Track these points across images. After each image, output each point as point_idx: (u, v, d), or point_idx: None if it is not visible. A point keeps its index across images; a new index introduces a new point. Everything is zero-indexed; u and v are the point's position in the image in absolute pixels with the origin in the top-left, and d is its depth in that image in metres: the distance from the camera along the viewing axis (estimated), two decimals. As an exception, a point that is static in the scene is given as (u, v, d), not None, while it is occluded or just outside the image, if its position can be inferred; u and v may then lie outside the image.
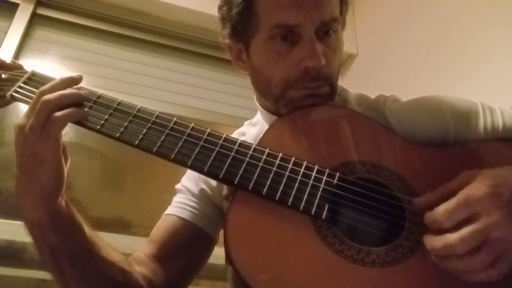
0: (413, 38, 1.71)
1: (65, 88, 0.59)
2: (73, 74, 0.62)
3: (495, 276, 0.43)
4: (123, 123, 0.61)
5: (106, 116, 0.61)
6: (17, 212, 0.57)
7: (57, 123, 0.55)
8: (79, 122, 0.60)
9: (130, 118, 0.61)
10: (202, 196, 0.77)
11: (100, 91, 0.65)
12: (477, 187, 0.45)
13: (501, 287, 0.45)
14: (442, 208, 0.46)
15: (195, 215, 0.75)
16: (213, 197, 0.76)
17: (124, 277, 0.62)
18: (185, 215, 0.74)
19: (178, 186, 0.82)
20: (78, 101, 0.60)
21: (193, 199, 0.77)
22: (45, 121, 0.55)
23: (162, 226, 0.75)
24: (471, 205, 0.44)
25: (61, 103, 0.57)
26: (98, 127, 0.60)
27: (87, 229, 0.60)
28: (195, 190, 0.77)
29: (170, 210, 0.77)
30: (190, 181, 0.79)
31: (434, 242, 0.46)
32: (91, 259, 0.59)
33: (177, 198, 0.79)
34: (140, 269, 0.67)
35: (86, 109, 0.61)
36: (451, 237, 0.44)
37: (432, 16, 1.62)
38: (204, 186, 0.77)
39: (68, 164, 0.60)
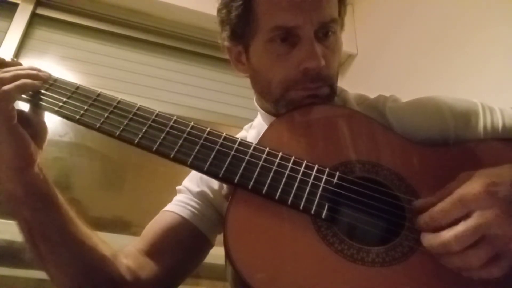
0: (413, 38, 1.71)
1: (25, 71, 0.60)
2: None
3: (496, 273, 0.44)
4: (123, 121, 0.61)
5: (106, 115, 0.61)
6: None
7: (3, 96, 0.55)
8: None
9: (130, 116, 0.61)
10: (202, 197, 0.76)
11: (100, 91, 0.65)
12: (472, 186, 0.46)
13: (502, 287, 0.45)
14: (437, 207, 0.47)
15: (194, 214, 0.74)
16: (214, 201, 0.76)
17: (103, 264, 0.61)
18: (183, 213, 0.74)
19: (179, 187, 0.81)
20: (37, 86, 0.61)
21: (194, 199, 0.76)
22: None
23: (157, 221, 0.74)
24: (466, 203, 0.45)
25: (11, 81, 0.57)
26: (98, 125, 0.60)
27: (65, 207, 0.60)
28: (196, 191, 0.77)
29: (169, 207, 0.77)
30: (192, 182, 0.79)
31: (430, 240, 0.46)
32: (64, 238, 0.58)
33: (178, 197, 0.79)
34: (126, 261, 0.66)
35: (36, 82, 0.61)
36: (446, 234, 0.44)
37: (432, 16, 1.62)
38: (205, 189, 0.77)
39: (42, 142, 0.61)
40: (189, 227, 0.73)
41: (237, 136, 0.86)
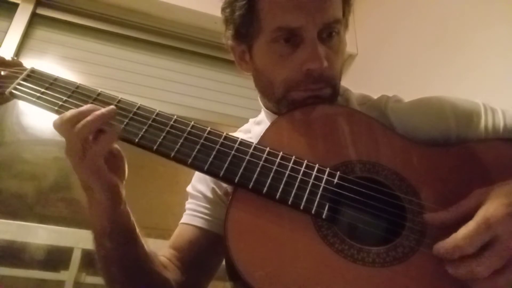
0: (413, 38, 1.71)
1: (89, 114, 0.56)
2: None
3: (503, 284, 0.43)
4: (124, 121, 0.61)
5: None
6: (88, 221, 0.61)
7: (94, 156, 0.55)
8: None
9: (130, 115, 0.61)
10: (214, 197, 0.78)
11: (100, 90, 0.65)
12: (494, 208, 0.44)
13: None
14: (461, 233, 0.44)
15: (206, 220, 0.76)
16: (222, 196, 0.77)
17: (165, 285, 0.66)
18: (199, 223, 0.76)
19: (189, 189, 0.82)
20: (106, 120, 0.57)
21: (205, 204, 0.78)
22: (83, 151, 0.55)
23: (180, 235, 0.77)
24: (491, 228, 0.43)
25: (91, 131, 0.56)
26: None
27: (140, 239, 0.63)
28: (207, 192, 0.78)
29: (184, 218, 0.79)
30: (201, 182, 0.80)
31: (459, 268, 0.44)
32: (140, 269, 0.63)
33: (190, 205, 0.80)
34: (170, 274, 0.69)
35: (116, 124, 0.59)
36: (478, 267, 0.43)
37: (432, 16, 1.62)
38: (214, 185, 0.78)
39: (124, 173, 0.61)
40: (205, 234, 0.75)
41: (241, 127, 0.87)
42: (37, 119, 1.68)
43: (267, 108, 0.77)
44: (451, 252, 0.44)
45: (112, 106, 0.59)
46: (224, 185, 0.76)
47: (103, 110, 0.57)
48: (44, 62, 1.76)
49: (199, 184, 0.80)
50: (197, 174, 0.82)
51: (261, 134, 0.62)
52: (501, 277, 0.43)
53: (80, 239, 1.50)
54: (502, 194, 0.46)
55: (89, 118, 0.55)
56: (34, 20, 1.79)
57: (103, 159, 0.56)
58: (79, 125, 0.55)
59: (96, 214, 0.59)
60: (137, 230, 0.63)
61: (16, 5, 1.74)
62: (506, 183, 0.48)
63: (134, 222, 0.63)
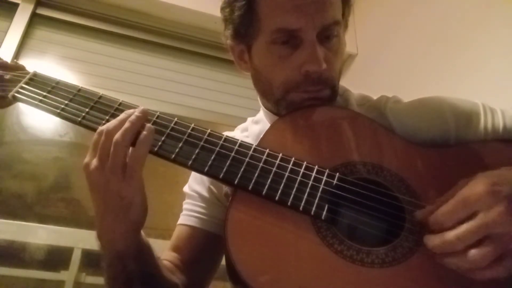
0: (413, 38, 1.71)
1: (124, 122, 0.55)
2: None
3: (502, 272, 0.43)
4: None
5: (107, 117, 0.62)
6: (102, 244, 0.57)
7: (137, 163, 0.54)
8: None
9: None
10: (210, 197, 0.78)
11: (101, 92, 0.65)
12: (474, 186, 0.46)
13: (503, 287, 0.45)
14: (440, 210, 0.47)
15: (204, 220, 0.76)
16: (220, 196, 0.77)
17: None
18: (195, 223, 0.76)
19: (186, 189, 0.82)
20: (139, 127, 0.56)
21: (202, 204, 0.78)
22: (123, 163, 0.53)
23: (178, 236, 0.77)
24: (470, 203, 0.44)
25: (130, 139, 0.54)
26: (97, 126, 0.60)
27: (154, 253, 0.62)
28: (203, 192, 0.78)
29: (181, 219, 0.79)
30: (198, 183, 0.80)
31: (434, 240, 0.46)
32: (158, 280, 0.62)
33: (187, 205, 0.80)
34: (176, 277, 0.69)
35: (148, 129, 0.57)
36: (450, 234, 0.44)
37: (432, 16, 1.62)
38: (210, 185, 0.78)
39: None
40: (203, 234, 0.75)
41: (239, 126, 0.87)
42: (37, 119, 1.68)
43: (266, 108, 0.77)
44: (432, 225, 0.47)
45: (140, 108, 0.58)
46: (223, 186, 0.76)
47: (136, 113, 0.56)
48: (44, 62, 1.76)
49: (196, 184, 0.80)
50: (194, 174, 0.83)
51: (259, 133, 0.62)
52: (500, 265, 0.43)
53: (80, 239, 1.50)
54: (485, 176, 0.47)
55: (127, 125, 0.54)
56: (34, 20, 1.79)
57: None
58: (118, 135, 0.53)
59: (124, 236, 0.55)
60: (152, 246, 0.62)
61: (16, 5, 1.74)
62: (493, 170, 0.49)
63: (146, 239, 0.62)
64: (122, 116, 0.56)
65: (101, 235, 0.57)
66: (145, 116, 0.57)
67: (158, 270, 0.62)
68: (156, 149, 0.59)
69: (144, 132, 0.55)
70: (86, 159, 0.54)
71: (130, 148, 0.54)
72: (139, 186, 0.55)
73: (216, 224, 0.75)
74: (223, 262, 0.54)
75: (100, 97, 0.64)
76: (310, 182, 0.56)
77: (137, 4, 1.89)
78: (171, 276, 0.67)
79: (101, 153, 0.53)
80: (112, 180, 0.53)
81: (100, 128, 0.55)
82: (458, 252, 0.44)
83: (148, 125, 0.57)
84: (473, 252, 0.43)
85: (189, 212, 0.78)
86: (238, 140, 0.61)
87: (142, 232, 0.60)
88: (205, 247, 0.75)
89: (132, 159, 0.53)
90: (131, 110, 0.58)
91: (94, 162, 0.53)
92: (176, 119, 0.62)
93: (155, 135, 0.59)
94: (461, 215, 0.45)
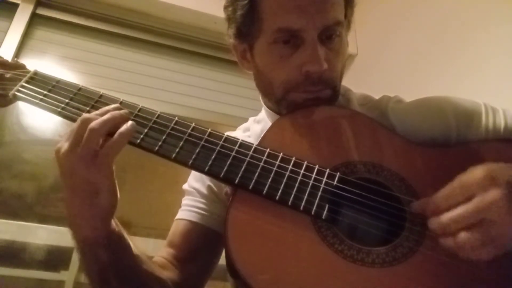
0: (413, 38, 1.71)
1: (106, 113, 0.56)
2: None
3: (484, 255, 0.44)
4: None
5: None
6: (71, 232, 0.57)
7: (111, 150, 0.54)
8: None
9: (132, 118, 0.61)
10: (209, 194, 0.78)
11: (101, 92, 0.65)
12: (473, 172, 0.47)
13: (503, 287, 0.45)
14: (440, 193, 0.48)
15: (202, 215, 0.76)
16: (220, 194, 0.77)
17: (161, 285, 0.65)
18: (195, 218, 0.76)
19: (185, 187, 0.82)
20: (121, 122, 0.56)
21: (201, 200, 0.78)
22: (96, 150, 0.53)
23: (176, 231, 0.77)
24: (467, 186, 0.46)
25: (106, 129, 0.54)
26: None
27: (133, 244, 0.61)
28: (203, 189, 0.78)
29: (180, 214, 0.79)
30: (197, 180, 0.80)
31: (432, 222, 0.48)
32: (136, 273, 0.61)
33: (186, 201, 0.80)
34: (167, 273, 0.69)
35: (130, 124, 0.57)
36: (445, 216, 0.46)
37: (432, 16, 1.62)
38: (210, 183, 0.78)
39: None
40: (203, 230, 0.75)
41: (241, 126, 0.87)
42: (37, 119, 1.68)
43: (268, 107, 0.77)
44: (433, 210, 0.48)
45: (125, 110, 0.58)
46: (223, 185, 0.76)
47: (121, 112, 0.57)
48: (44, 62, 1.76)
49: (195, 182, 0.80)
50: (194, 173, 0.82)
51: (260, 133, 0.62)
52: (483, 249, 0.44)
53: (80, 239, 1.49)
54: (483, 165, 0.48)
55: (106, 116, 0.55)
56: (34, 20, 1.79)
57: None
58: (94, 122, 0.53)
59: (91, 223, 0.55)
60: (127, 236, 0.61)
61: (16, 5, 1.74)
62: (492, 163, 0.49)
63: (123, 229, 0.61)
64: (105, 108, 0.57)
65: (70, 221, 0.57)
66: (129, 115, 0.58)
67: (135, 263, 0.61)
68: (156, 148, 0.59)
69: (126, 125, 0.55)
70: (59, 144, 0.55)
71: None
72: (108, 173, 0.55)
73: (215, 221, 0.75)
74: (222, 262, 0.54)
75: (101, 96, 0.64)
76: (311, 182, 0.56)
77: (137, 4, 1.89)
78: (158, 271, 0.65)
79: (74, 138, 0.53)
80: (80, 165, 0.52)
81: (81, 117, 0.55)
82: (452, 233, 0.45)
83: (131, 121, 0.57)
84: (462, 236, 0.44)
85: (189, 208, 0.78)
86: (238, 139, 0.60)
87: (116, 223, 0.59)
88: (203, 243, 0.75)
89: (107, 147, 0.53)
90: (116, 105, 0.59)
91: (65, 145, 0.53)
92: (176, 118, 0.62)
93: (156, 134, 0.59)
94: (459, 198, 0.46)
